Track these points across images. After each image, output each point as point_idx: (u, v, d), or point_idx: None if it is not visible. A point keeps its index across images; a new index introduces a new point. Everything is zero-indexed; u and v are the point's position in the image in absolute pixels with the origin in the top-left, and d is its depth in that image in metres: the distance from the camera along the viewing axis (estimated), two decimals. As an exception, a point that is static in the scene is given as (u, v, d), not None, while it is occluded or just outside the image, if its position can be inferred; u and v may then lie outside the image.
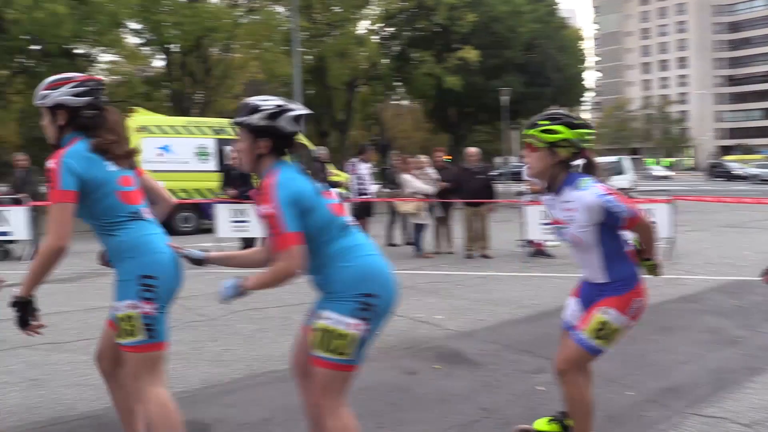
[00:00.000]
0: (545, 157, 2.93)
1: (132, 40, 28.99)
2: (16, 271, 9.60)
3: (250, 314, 6.35)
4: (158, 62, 32.19)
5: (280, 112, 2.57)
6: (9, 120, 36.62)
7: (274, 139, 2.57)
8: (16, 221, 10.79)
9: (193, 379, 4.42)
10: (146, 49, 30.66)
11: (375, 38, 30.33)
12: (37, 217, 11.05)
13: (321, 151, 12.57)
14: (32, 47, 23.52)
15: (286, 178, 2.50)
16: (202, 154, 14.99)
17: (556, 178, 2.97)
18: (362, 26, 30.14)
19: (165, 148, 14.57)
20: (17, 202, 10.96)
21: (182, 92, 27.68)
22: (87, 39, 23.58)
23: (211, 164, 14.95)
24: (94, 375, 4.48)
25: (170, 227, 14.52)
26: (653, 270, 3.07)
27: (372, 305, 2.51)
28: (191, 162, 14.82)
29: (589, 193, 2.84)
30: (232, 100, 34.52)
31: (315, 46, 27.18)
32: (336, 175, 13.49)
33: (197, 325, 5.93)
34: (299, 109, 2.64)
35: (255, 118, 2.57)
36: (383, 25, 31.00)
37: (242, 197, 10.31)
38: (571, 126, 2.91)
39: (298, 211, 2.45)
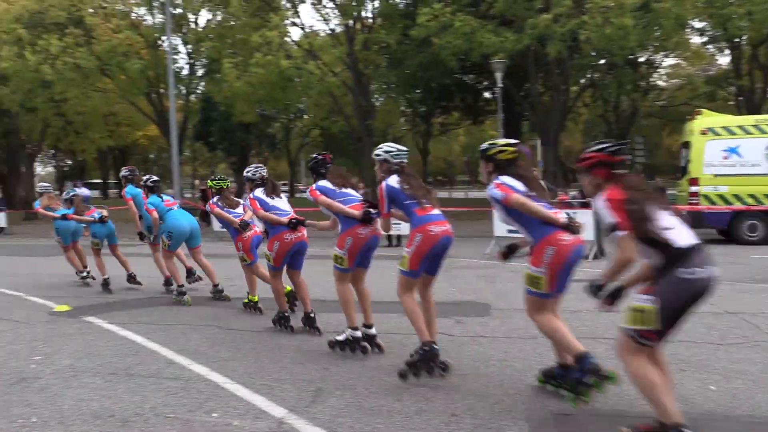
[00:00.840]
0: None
1: (695, 39, 28.14)
2: (581, 269, 10.52)
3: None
4: (722, 59, 30.35)
5: None
6: (576, 131, 40.45)
7: None
8: (584, 223, 11.73)
9: (762, 403, 3.98)
10: (710, 47, 29.30)
11: None
12: (599, 220, 11.79)
13: None
14: (599, 62, 25.33)
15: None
16: (776, 155, 13.36)
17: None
18: None
19: (732, 150, 13.55)
20: (586, 206, 11.94)
21: (751, 88, 25.36)
22: (650, 46, 23.98)
23: (787, 166, 13.20)
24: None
25: (734, 235, 13.48)
26: None
27: (171, 235, 8.04)
28: (763, 164, 13.35)
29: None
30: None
31: None
32: None
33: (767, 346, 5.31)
34: None
35: None
36: None
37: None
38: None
39: None
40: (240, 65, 22.89)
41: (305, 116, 39.94)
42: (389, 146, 4.99)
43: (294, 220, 6.04)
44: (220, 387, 4.53)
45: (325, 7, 25.06)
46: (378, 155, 4.98)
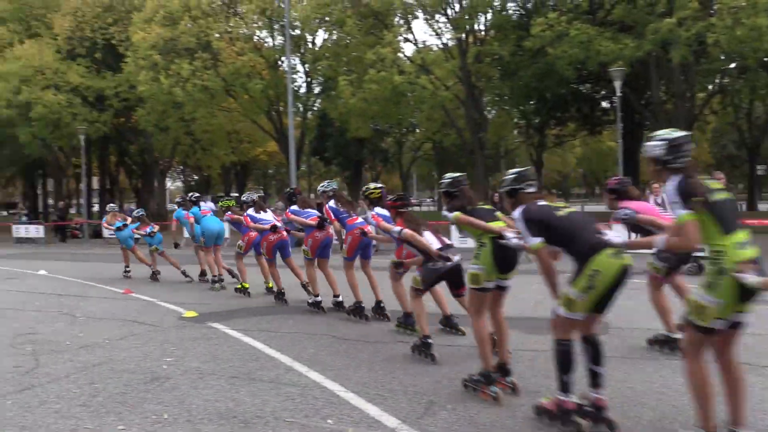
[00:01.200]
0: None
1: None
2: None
3: None
4: None
5: None
6: (702, 140, 38.00)
7: None
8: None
9: None
10: None
11: None
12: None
13: None
14: (729, 66, 23.75)
15: None
16: None
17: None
18: None
19: None
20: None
21: None
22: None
23: None
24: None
25: None
26: None
27: (204, 234, 10.70)
28: None
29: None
30: None
31: None
32: None
33: None
34: None
35: None
36: None
37: None
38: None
39: None
40: (354, 82, 23.53)
41: (417, 130, 40.29)
42: (324, 183, 8.16)
43: (273, 226, 8.80)
44: (335, 395, 4.65)
45: (437, 21, 25.29)
46: (318, 190, 8.20)
